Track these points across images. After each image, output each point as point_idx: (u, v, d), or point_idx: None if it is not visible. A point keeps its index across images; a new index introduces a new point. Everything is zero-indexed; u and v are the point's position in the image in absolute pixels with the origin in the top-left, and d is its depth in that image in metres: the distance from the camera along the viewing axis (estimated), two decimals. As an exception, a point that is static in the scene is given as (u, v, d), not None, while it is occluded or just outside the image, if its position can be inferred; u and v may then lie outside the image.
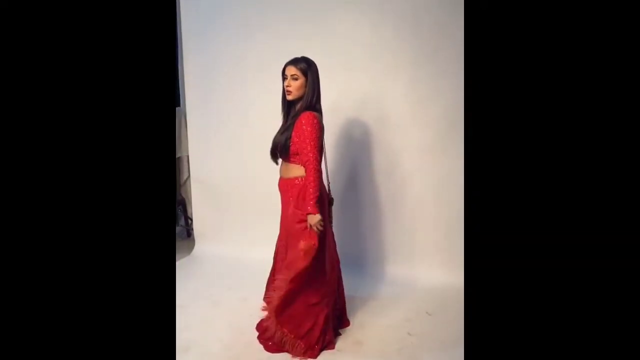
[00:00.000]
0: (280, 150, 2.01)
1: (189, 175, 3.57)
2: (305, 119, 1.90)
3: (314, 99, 1.98)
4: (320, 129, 1.95)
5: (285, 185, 2.07)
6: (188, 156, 3.49)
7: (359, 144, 2.94)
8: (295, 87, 1.96)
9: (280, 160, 2.11)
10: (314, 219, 1.88)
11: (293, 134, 1.94)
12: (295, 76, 1.95)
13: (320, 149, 1.94)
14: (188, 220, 3.82)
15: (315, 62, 2.04)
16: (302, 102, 1.98)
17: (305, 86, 1.97)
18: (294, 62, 1.98)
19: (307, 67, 1.96)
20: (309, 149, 1.89)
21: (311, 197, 1.88)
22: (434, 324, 2.33)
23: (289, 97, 1.99)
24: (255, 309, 2.45)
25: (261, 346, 2.10)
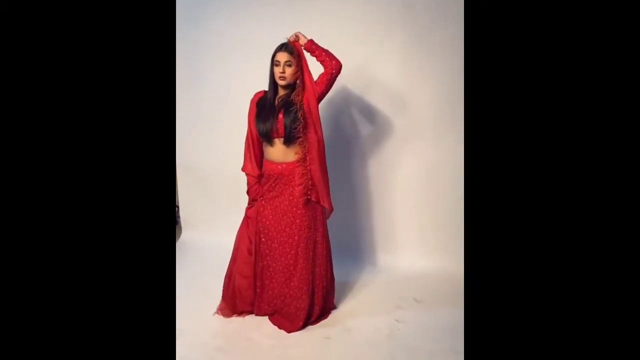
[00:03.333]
0: (289, 133, 2.02)
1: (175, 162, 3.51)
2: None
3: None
4: None
5: (287, 169, 2.09)
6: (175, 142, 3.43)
7: (347, 129, 2.91)
8: (290, 73, 2.02)
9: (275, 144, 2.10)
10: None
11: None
12: (289, 62, 2.02)
13: None
14: (175, 207, 3.77)
15: None
16: (299, 86, 2.04)
17: (297, 71, 2.03)
18: (286, 48, 2.03)
19: (297, 52, 2.02)
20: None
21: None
22: (422, 310, 2.34)
23: (283, 83, 2.05)
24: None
25: (249, 334, 2.10)
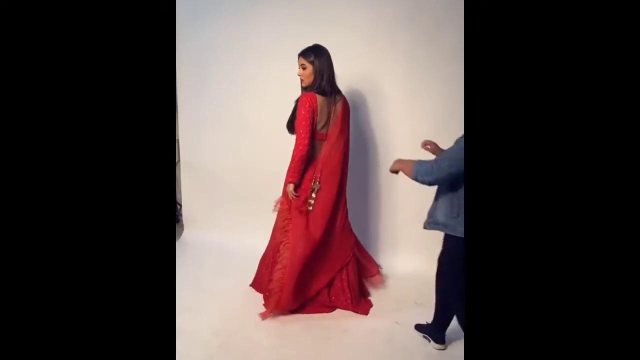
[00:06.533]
0: (288, 128, 2.28)
1: (178, 160, 3.53)
2: (300, 100, 2.18)
3: (322, 82, 2.19)
4: (312, 109, 2.15)
5: None
6: (178, 140, 3.44)
7: (352, 133, 2.91)
8: (305, 75, 2.21)
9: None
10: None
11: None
12: (304, 65, 2.20)
13: (310, 131, 2.17)
14: (177, 205, 3.78)
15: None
16: (310, 87, 2.22)
17: (314, 73, 2.19)
18: (303, 53, 2.20)
19: (313, 56, 2.17)
20: (300, 131, 2.16)
21: (286, 181, 2.24)
22: (422, 313, 2.34)
23: (304, 85, 2.25)
24: (244, 295, 2.44)
25: (250, 333, 2.10)
